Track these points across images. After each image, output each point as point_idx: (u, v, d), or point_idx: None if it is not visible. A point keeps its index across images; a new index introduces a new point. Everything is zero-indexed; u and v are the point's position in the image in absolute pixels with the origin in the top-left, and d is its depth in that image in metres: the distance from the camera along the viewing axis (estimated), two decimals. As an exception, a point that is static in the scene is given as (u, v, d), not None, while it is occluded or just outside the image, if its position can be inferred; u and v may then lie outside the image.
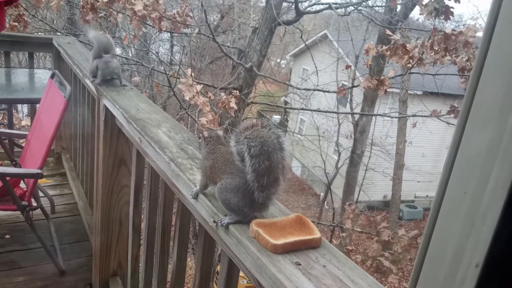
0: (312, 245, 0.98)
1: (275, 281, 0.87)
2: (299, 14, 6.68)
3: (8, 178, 2.14)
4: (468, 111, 0.41)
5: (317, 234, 0.99)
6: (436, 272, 0.41)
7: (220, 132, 1.18)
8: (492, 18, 0.38)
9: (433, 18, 4.06)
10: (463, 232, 0.34)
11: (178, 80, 5.03)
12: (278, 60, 21.81)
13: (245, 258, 0.97)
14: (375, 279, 0.93)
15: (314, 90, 7.02)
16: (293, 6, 6.81)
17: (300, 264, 0.91)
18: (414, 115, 6.80)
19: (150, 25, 5.18)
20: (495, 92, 0.37)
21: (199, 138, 1.20)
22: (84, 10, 4.55)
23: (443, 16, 4.00)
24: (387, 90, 5.12)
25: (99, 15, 4.96)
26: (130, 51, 12.29)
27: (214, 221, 1.07)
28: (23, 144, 2.84)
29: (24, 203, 2.22)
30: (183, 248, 1.54)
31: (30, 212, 2.25)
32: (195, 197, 1.17)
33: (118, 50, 12.12)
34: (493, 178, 0.33)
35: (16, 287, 2.22)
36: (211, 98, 5.01)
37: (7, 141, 2.93)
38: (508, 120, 0.36)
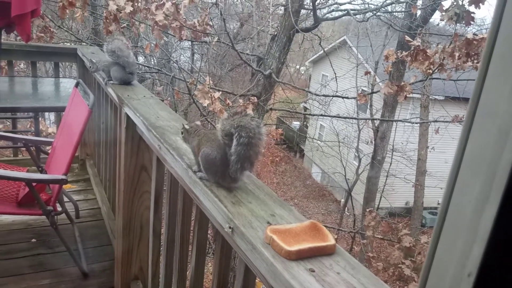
0: (326, 252, 0.99)
1: (288, 287, 0.88)
2: (317, 21, 6.69)
3: (34, 184, 2.22)
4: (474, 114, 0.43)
5: (331, 241, 1.00)
6: (440, 280, 0.42)
7: (198, 122, 1.44)
8: (501, 3, 0.39)
9: (454, 24, 4.02)
10: (459, 242, 0.36)
11: (196, 87, 5.11)
12: (298, 67, 21.81)
13: (259, 264, 0.99)
14: (388, 286, 0.94)
15: (333, 96, 7.00)
16: (312, 13, 6.83)
17: (314, 271, 0.92)
18: (435, 121, 6.71)
19: (171, 34, 5.28)
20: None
21: (181, 130, 1.42)
22: (107, 20, 4.67)
23: (464, 21, 3.95)
24: (407, 95, 5.07)
25: (122, 26, 5.09)
26: (152, 60, 12.51)
27: (230, 227, 1.10)
28: (49, 151, 2.93)
29: (50, 208, 2.29)
30: (201, 253, 1.57)
31: (55, 216, 2.32)
32: (199, 177, 1.31)
33: (140, 59, 12.37)
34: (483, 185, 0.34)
35: (41, 290, 2.29)
36: (230, 105, 5.06)
37: (34, 148, 3.03)
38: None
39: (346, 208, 13.41)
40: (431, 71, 4.72)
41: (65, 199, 2.68)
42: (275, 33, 6.62)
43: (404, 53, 4.74)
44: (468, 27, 4.38)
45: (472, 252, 0.33)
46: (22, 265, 2.47)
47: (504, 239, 0.33)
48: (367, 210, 5.73)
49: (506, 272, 0.34)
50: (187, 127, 1.40)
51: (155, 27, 4.50)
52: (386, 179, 12.62)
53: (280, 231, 1.01)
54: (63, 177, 2.26)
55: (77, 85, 2.78)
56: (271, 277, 0.94)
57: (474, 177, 0.36)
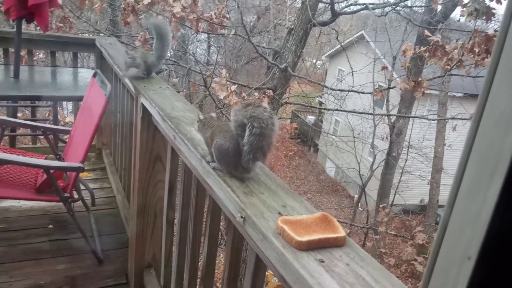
0: (336, 244, 0.99)
1: (298, 277, 0.89)
2: (335, 15, 6.63)
3: (52, 171, 2.28)
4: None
5: (341, 233, 1.01)
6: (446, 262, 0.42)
7: (213, 114, 1.46)
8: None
9: (474, 19, 3.94)
10: (462, 226, 0.37)
11: (212, 79, 5.13)
12: (314, 61, 21.66)
13: (270, 254, 1.01)
14: (398, 280, 0.94)
15: (349, 91, 6.95)
16: (329, 7, 6.77)
17: (323, 261, 0.93)
18: (453, 118, 6.61)
19: (188, 27, 5.31)
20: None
21: (197, 121, 1.45)
22: (126, 12, 4.72)
23: (484, 17, 3.87)
24: (425, 92, 5.01)
25: (139, 17, 5.13)
26: (168, 52, 12.56)
27: (242, 217, 1.12)
28: (67, 139, 2.99)
29: (66, 195, 2.35)
30: (213, 243, 1.59)
31: (72, 203, 2.38)
32: (213, 168, 1.32)
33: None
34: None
35: (57, 274, 2.35)
36: (245, 98, 5.07)
37: (52, 136, 3.09)
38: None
39: (360, 204, 13.34)
40: (449, 67, 4.65)
41: (82, 187, 2.73)
42: (292, 27, 6.59)
43: (422, 48, 4.67)
44: (489, 23, 4.30)
45: (474, 238, 0.34)
46: (40, 249, 2.54)
47: (502, 226, 0.34)
48: (381, 206, 5.70)
49: (503, 256, 0.35)
50: (201, 117, 1.42)
51: (173, 19, 4.52)
52: (401, 176, 12.52)
53: (291, 222, 1.02)
54: (80, 165, 2.31)
55: (95, 75, 2.83)
56: (281, 267, 0.96)
57: (481, 170, 0.37)
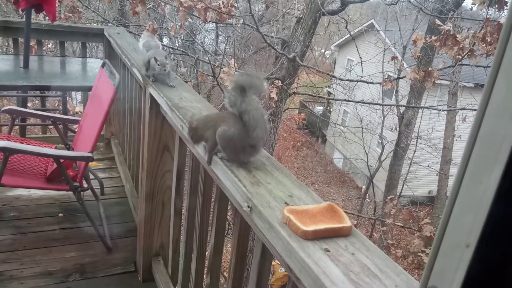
0: (342, 234, 1.00)
1: (303, 265, 0.90)
2: (344, 3, 6.56)
3: (62, 160, 2.30)
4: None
5: (347, 223, 1.01)
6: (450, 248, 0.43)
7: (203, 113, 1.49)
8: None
9: (486, 8, 3.87)
10: (463, 214, 0.37)
11: (221, 70, 5.12)
12: (323, 51, 21.51)
13: (276, 243, 1.02)
14: (404, 270, 0.94)
15: (358, 81, 6.90)
16: (339, -5, 6.69)
17: (329, 251, 0.93)
18: (463, 108, 6.54)
19: (196, 16, 5.29)
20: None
21: (190, 131, 1.39)
22: (134, 2, 4.71)
23: (496, 5, 3.81)
24: (435, 82, 4.95)
25: (148, 7, 5.12)
26: (176, 42, 12.56)
27: (249, 206, 1.12)
28: (76, 129, 3.02)
29: (76, 184, 2.37)
30: (220, 232, 1.61)
31: (81, 192, 2.41)
32: (220, 158, 1.33)
33: (165, 40, 12.43)
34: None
35: (67, 262, 2.39)
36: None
37: (61, 126, 3.12)
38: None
39: (367, 195, 13.32)
40: (460, 57, 4.59)
41: (91, 176, 2.76)
42: (301, 16, 6.53)
43: (433, 37, 4.61)
44: (501, 12, 4.23)
45: (474, 226, 0.34)
46: (50, 237, 2.58)
47: (501, 215, 0.34)
48: (388, 197, 5.69)
49: (501, 245, 0.35)
50: (194, 126, 1.36)
51: (180, 8, 4.51)
52: (410, 167, 12.45)
53: (297, 212, 1.03)
54: (89, 154, 2.33)
55: (103, 65, 2.84)
56: (287, 255, 0.96)
57: (483, 159, 0.37)
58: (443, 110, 10.30)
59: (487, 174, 0.36)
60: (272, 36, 8.51)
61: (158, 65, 2.00)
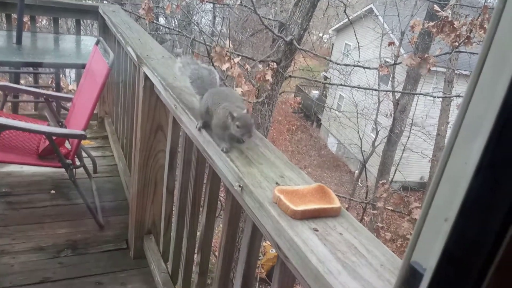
0: (331, 214, 1.01)
1: (292, 244, 0.92)
2: (344, -14, 6.48)
3: (54, 138, 2.29)
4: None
5: (337, 204, 1.03)
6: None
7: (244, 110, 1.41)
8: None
9: (485, -6, 3.85)
10: (445, 188, 0.38)
11: (212, 48, 5.06)
12: (321, 35, 21.31)
13: (266, 222, 1.03)
14: (389, 250, 0.96)
15: (354, 66, 6.88)
16: (338, -22, 6.61)
17: (317, 230, 0.95)
18: (458, 95, 6.57)
19: (192, -5, 5.20)
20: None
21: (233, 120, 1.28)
22: (129, -22, 4.62)
23: (496, -8, 3.78)
24: (431, 68, 4.95)
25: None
26: (172, 21, 12.40)
27: (240, 186, 1.13)
28: (69, 107, 3.00)
29: (68, 161, 2.37)
30: (212, 211, 1.62)
31: (74, 170, 2.41)
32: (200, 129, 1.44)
33: (161, 20, 12.25)
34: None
35: (59, 238, 2.40)
36: (249, 70, 5.02)
37: (54, 103, 3.10)
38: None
39: (360, 179, 13.42)
40: (457, 44, 4.59)
41: (84, 154, 2.76)
42: (299, -2, 6.45)
43: (431, 23, 4.59)
44: (500, -1, 4.18)
45: (454, 201, 0.35)
46: (42, 214, 2.59)
47: (479, 190, 0.35)
48: (380, 182, 5.74)
49: (478, 219, 0.37)
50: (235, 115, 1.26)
51: (177, -13, 4.43)
52: (403, 153, 12.52)
53: (287, 192, 1.04)
54: (82, 132, 2.33)
55: (97, 43, 2.81)
56: (276, 234, 0.98)
57: (468, 136, 0.38)
58: (438, 97, 10.33)
59: (469, 148, 0.37)
60: (269, 19, 8.42)
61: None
